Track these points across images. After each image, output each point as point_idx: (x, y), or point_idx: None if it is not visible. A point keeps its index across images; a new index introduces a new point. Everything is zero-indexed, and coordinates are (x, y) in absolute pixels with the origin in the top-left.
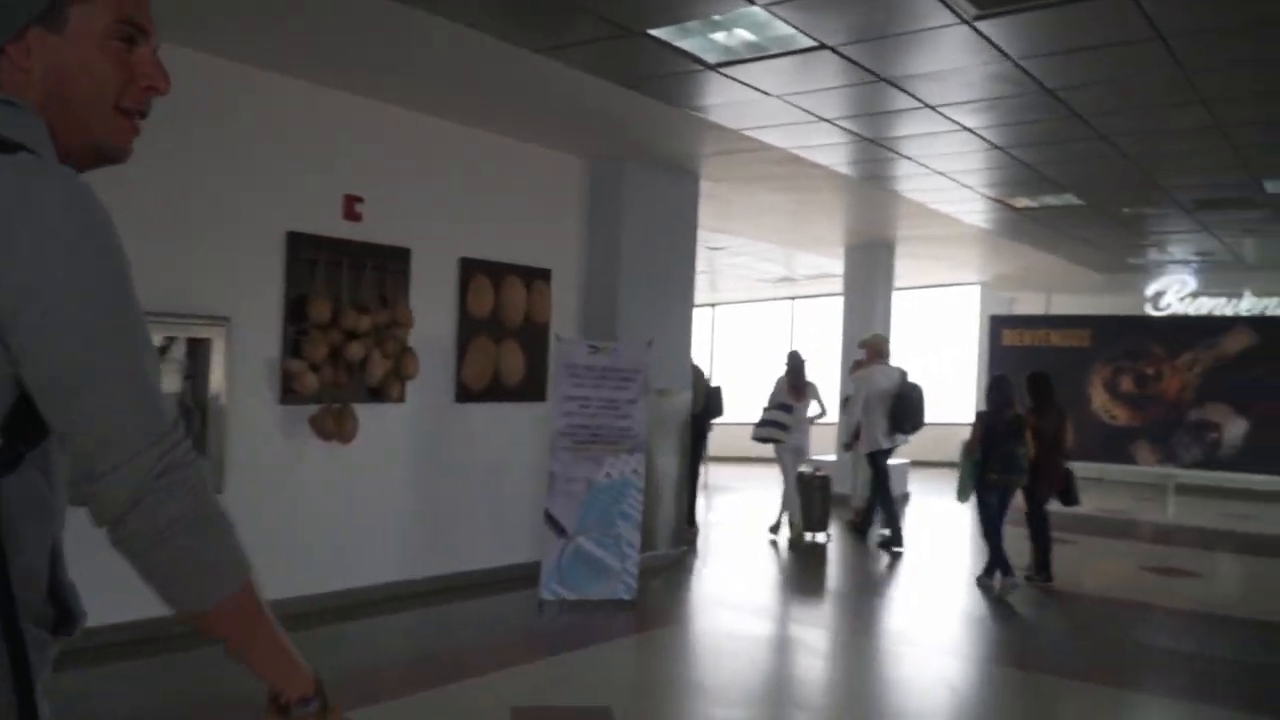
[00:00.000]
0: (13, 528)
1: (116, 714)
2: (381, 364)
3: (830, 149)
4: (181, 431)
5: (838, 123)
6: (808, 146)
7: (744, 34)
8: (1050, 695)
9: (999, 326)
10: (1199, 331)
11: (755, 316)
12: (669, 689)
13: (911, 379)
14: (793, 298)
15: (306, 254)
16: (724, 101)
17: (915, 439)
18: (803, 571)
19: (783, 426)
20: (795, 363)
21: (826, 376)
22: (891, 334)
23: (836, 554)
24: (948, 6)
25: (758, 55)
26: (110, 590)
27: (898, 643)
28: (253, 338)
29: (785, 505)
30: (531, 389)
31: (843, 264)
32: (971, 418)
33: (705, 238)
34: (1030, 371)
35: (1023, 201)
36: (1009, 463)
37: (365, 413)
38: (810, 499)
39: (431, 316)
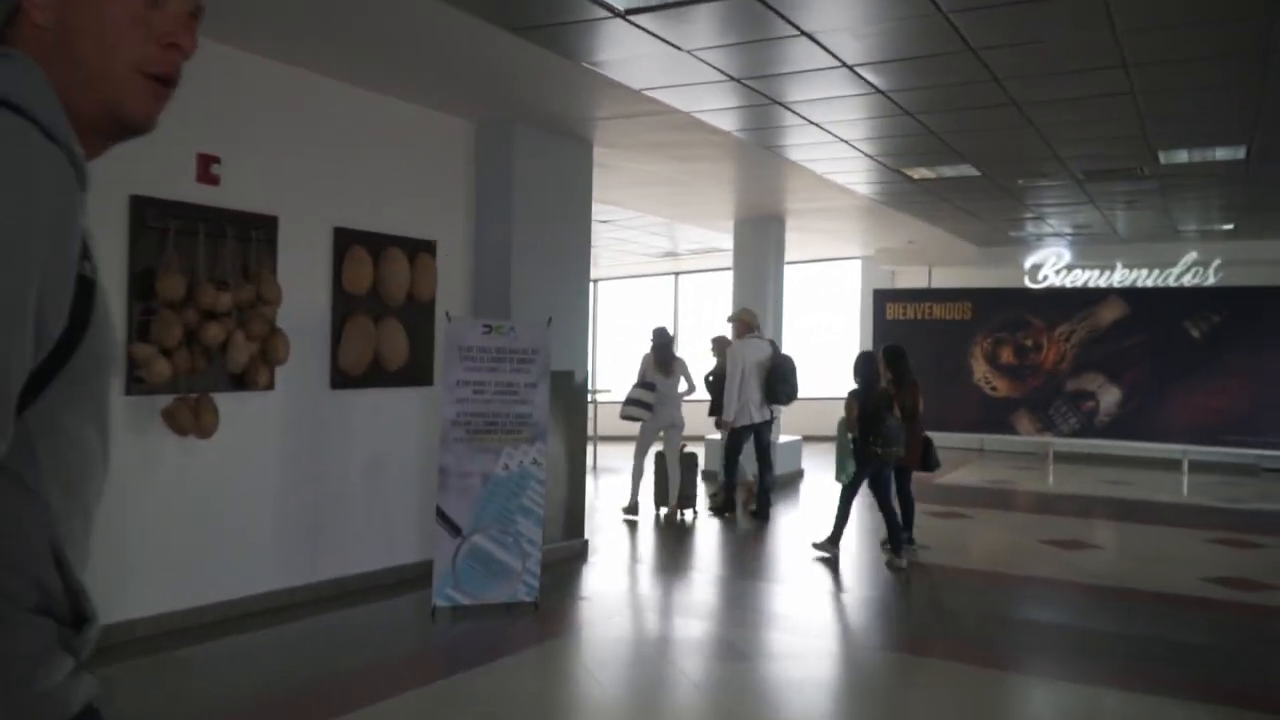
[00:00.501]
0: None
1: None
2: (245, 347)
3: (735, 113)
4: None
5: (747, 83)
6: (711, 110)
7: None
8: (946, 680)
9: (882, 300)
10: (1075, 303)
11: (637, 292)
12: (576, 710)
13: (783, 350)
14: (677, 273)
15: (155, 222)
16: (629, 56)
17: (805, 413)
18: (695, 555)
19: (646, 405)
20: (662, 339)
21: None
22: (783, 308)
23: (726, 536)
24: None
25: (676, 1)
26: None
27: (801, 634)
28: None
29: (634, 481)
30: (416, 373)
31: (731, 238)
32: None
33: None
34: (885, 345)
35: (921, 172)
36: (890, 435)
37: (227, 403)
38: (682, 477)
39: (302, 293)
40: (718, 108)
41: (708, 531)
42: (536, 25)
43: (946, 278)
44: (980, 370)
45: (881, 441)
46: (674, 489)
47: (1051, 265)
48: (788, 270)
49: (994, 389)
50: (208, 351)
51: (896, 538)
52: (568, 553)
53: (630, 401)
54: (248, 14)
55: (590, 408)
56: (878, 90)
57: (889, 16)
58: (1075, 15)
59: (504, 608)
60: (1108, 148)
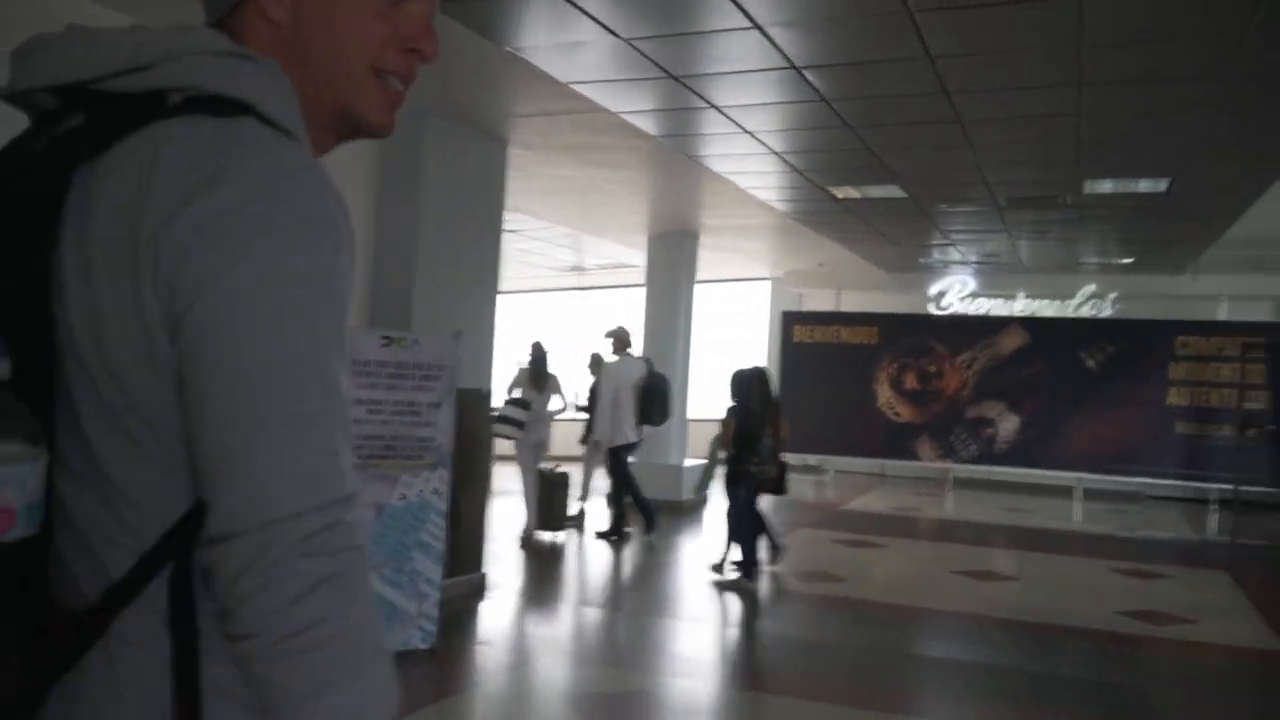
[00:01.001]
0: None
1: None
2: None
3: (665, 116)
4: (349, 511)
5: (685, 81)
6: (640, 111)
7: None
8: None
9: (790, 322)
10: (977, 331)
11: (540, 307)
12: None
13: (658, 369)
14: (584, 288)
15: None
16: (560, 43)
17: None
18: (595, 587)
19: (518, 424)
20: (538, 354)
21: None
22: (692, 327)
23: (634, 564)
24: None
25: None
26: None
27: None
28: None
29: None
30: None
31: (641, 254)
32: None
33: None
34: (751, 368)
35: (847, 192)
36: (765, 455)
37: None
38: (548, 497)
39: None
40: (648, 109)
41: (611, 558)
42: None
43: (854, 302)
44: (885, 395)
45: (756, 460)
46: (532, 511)
47: (956, 293)
48: (698, 289)
49: (898, 414)
50: None
51: (751, 559)
52: (465, 589)
53: (503, 419)
54: None
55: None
56: (822, 98)
57: (852, 13)
58: (1045, 22)
59: (397, 657)
60: (1038, 173)
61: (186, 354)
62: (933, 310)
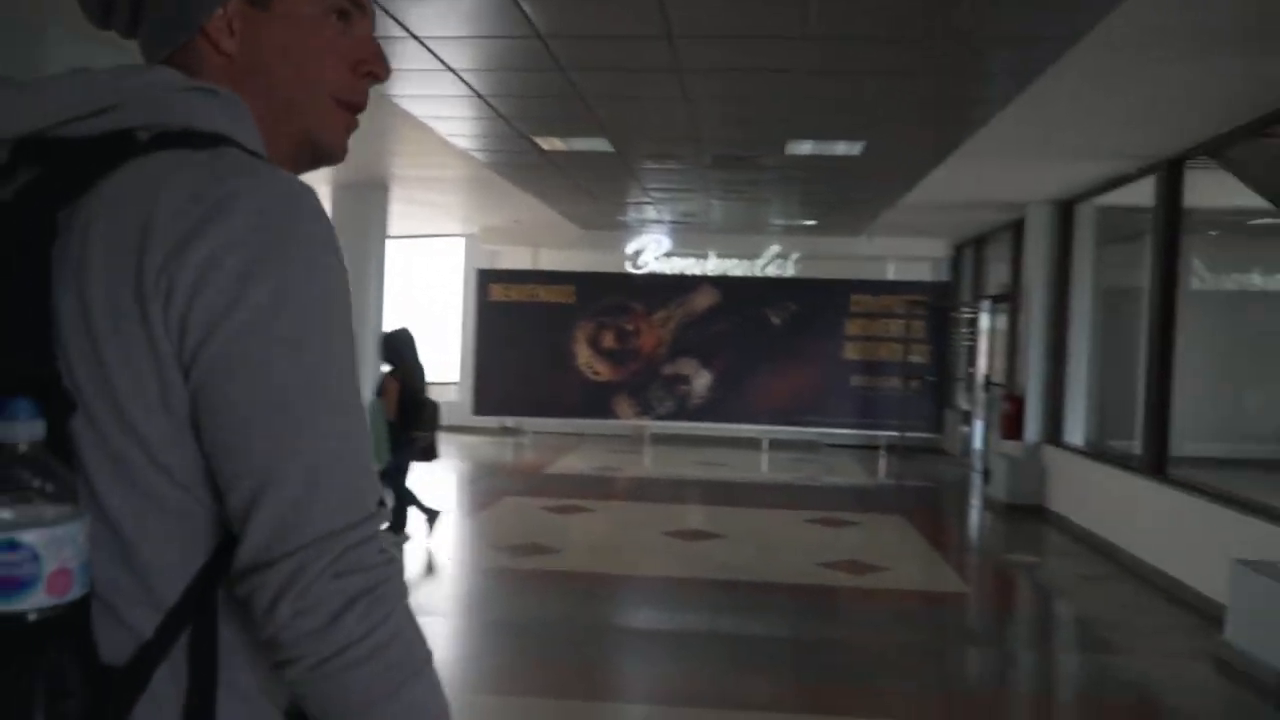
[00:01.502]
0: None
1: None
2: None
3: None
4: (378, 525)
5: (381, 2)
6: None
7: None
8: None
9: (486, 281)
10: (672, 290)
11: None
12: None
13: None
14: None
15: None
16: None
17: None
18: None
19: None
20: None
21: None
22: (384, 285)
23: None
24: None
25: None
26: None
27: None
28: None
29: None
30: None
31: (328, 205)
32: (458, 376)
33: None
34: (400, 328)
35: (553, 143)
36: (430, 419)
37: None
38: None
39: None
40: None
41: None
42: None
43: (551, 260)
44: (584, 355)
45: (425, 425)
46: None
47: (652, 252)
48: (389, 245)
49: (596, 373)
50: None
51: (401, 521)
52: None
53: None
54: None
55: None
56: (537, 34)
57: None
58: None
59: None
60: (747, 131)
61: (205, 388)
62: (629, 269)
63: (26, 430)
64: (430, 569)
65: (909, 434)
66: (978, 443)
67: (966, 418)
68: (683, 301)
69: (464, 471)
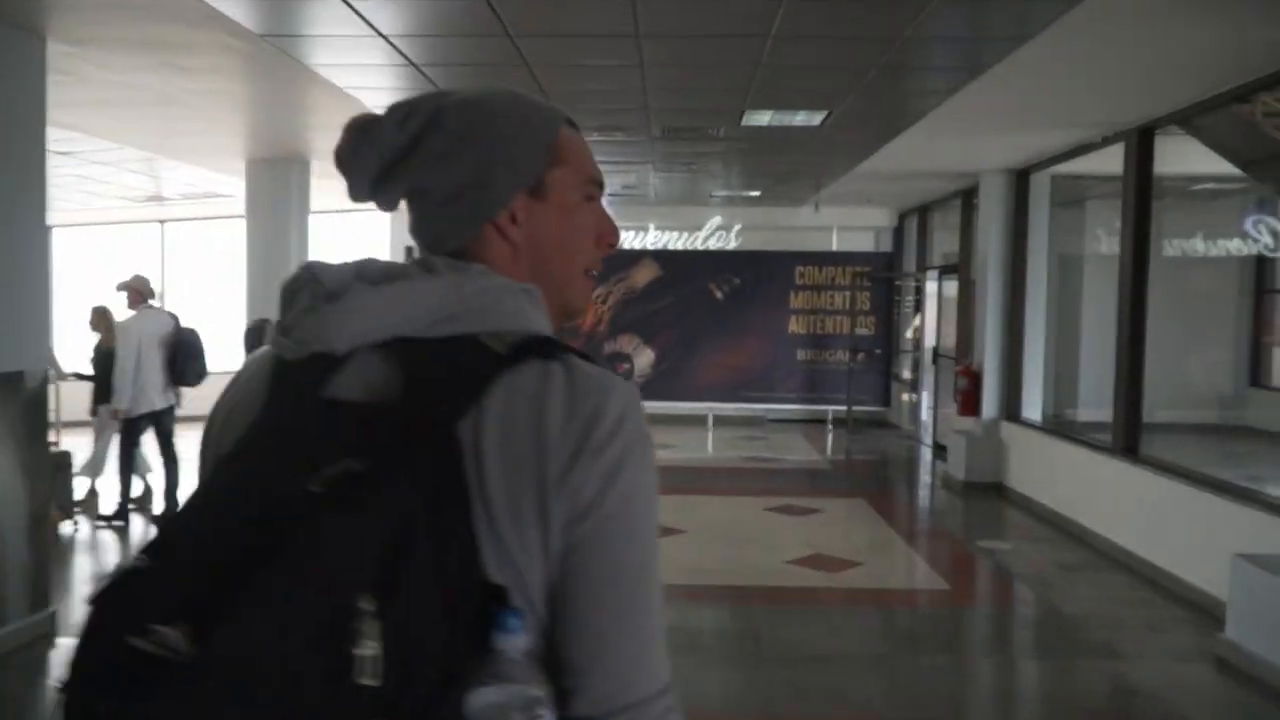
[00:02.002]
0: None
1: None
2: None
3: (271, 6)
4: (671, 694)
5: None
6: None
7: None
8: None
9: (411, 256)
10: (612, 264)
11: (111, 243)
12: None
13: (185, 324)
14: (163, 220)
15: None
16: None
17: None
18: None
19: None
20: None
21: (220, 319)
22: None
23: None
24: None
25: None
26: None
27: None
28: None
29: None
30: None
31: (238, 181)
32: None
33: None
34: (263, 319)
35: None
36: None
37: None
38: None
39: None
40: None
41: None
42: None
43: None
44: None
45: None
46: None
47: None
48: (314, 220)
49: None
50: None
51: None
52: (28, 636)
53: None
54: None
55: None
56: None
57: None
58: None
59: None
60: (705, 100)
61: (578, 560)
62: None
63: (519, 638)
64: None
65: (857, 408)
66: (926, 415)
67: (914, 389)
68: (622, 277)
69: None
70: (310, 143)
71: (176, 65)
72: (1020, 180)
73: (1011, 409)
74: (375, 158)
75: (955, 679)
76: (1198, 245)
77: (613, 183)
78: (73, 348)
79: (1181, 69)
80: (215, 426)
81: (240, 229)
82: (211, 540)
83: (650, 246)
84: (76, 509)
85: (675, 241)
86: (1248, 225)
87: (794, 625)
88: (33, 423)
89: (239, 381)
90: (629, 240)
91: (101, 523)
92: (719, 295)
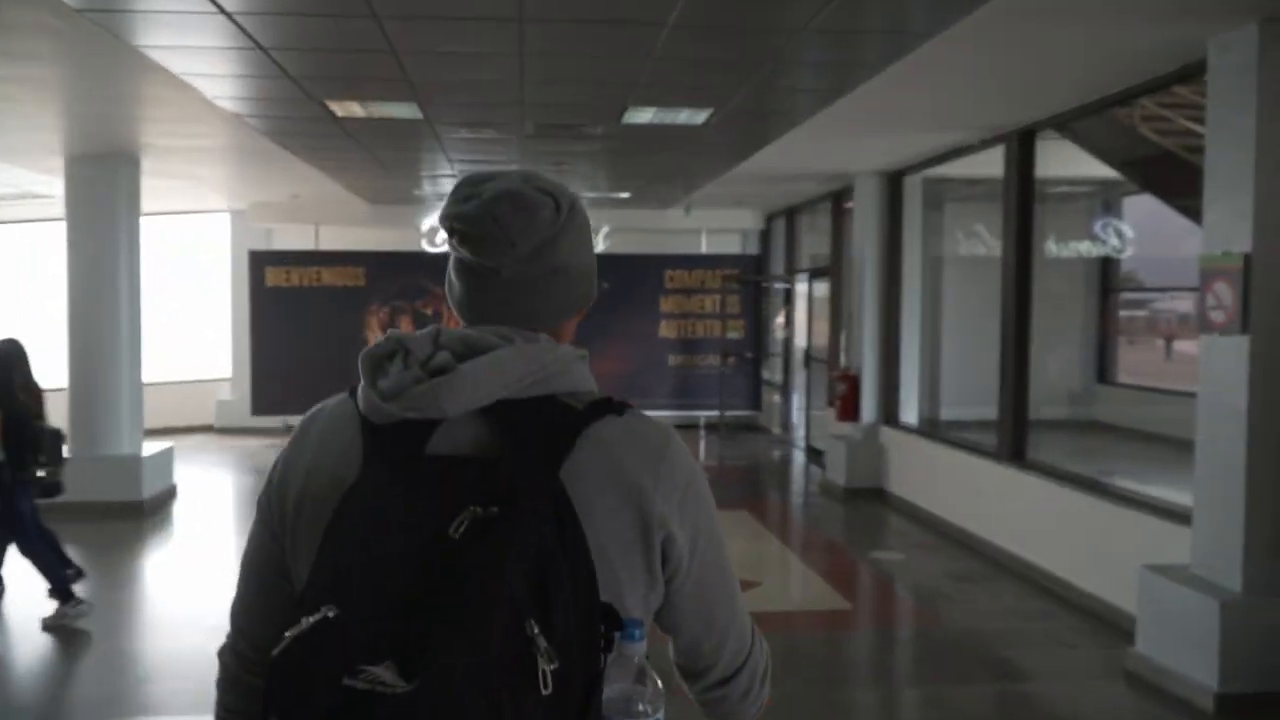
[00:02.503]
0: None
1: None
2: None
3: None
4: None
5: None
6: None
7: None
8: None
9: (261, 263)
10: None
11: None
12: None
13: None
14: None
15: None
16: None
17: (165, 401)
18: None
19: None
20: None
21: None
22: (141, 270)
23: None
24: None
25: None
26: None
27: None
28: None
29: None
30: None
31: (56, 181)
32: (229, 372)
33: None
34: (5, 339)
35: (350, 108)
36: (52, 448)
37: None
38: None
39: None
40: None
41: None
42: None
43: (334, 239)
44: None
45: (43, 458)
46: None
47: None
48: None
49: None
50: None
51: (61, 578)
52: None
53: None
54: None
55: None
56: None
57: None
58: None
59: None
60: (584, 94)
61: (695, 581)
62: (425, 247)
63: (642, 645)
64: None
65: (729, 412)
66: (797, 418)
67: (784, 392)
68: None
69: (246, 487)
70: (140, 137)
71: None
72: (893, 183)
73: (889, 413)
74: (528, 232)
75: (878, 713)
76: (1049, 246)
77: None
78: None
79: (1060, 74)
80: (294, 481)
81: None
82: (385, 586)
83: None
84: None
85: None
86: (1096, 228)
87: None
88: None
89: (308, 437)
90: None
91: None
92: None
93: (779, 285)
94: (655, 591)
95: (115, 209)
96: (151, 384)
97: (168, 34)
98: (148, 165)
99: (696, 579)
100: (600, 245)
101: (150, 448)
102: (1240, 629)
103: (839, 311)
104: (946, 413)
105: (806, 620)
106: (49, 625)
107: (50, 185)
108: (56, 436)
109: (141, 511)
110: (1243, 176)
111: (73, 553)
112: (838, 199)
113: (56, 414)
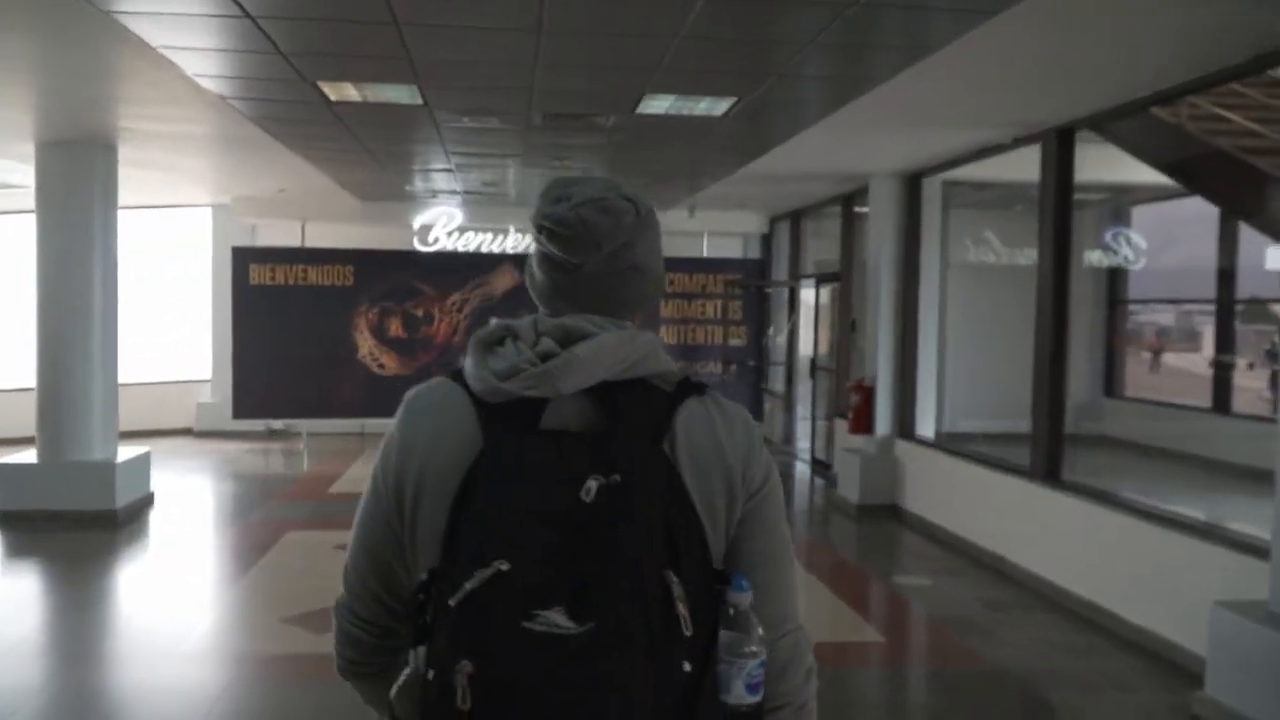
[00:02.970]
0: None
1: None
2: None
3: None
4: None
5: None
6: None
7: None
8: None
9: (245, 260)
10: (468, 269)
11: None
12: None
13: None
14: None
15: None
16: None
17: (140, 403)
18: None
19: None
20: None
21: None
22: (119, 265)
23: None
24: None
25: None
26: None
27: None
28: None
29: None
30: None
31: (27, 168)
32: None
33: None
34: None
35: (345, 91)
36: None
37: None
38: None
39: None
40: None
41: None
42: None
43: (322, 236)
44: (366, 345)
45: None
46: None
47: (443, 226)
48: (122, 217)
49: (382, 366)
50: None
51: None
52: None
53: None
54: None
55: None
56: None
57: None
58: None
59: None
60: (599, 82)
61: (749, 531)
62: (418, 246)
63: (748, 595)
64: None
65: None
66: (801, 430)
67: (787, 402)
68: (480, 283)
69: (227, 495)
70: (117, 121)
71: None
72: (912, 185)
73: (905, 425)
74: (613, 234)
75: None
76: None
77: (471, 179)
78: None
79: (1112, 65)
80: (413, 457)
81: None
82: (541, 540)
83: (510, 251)
84: None
85: None
86: (1107, 238)
87: None
88: None
89: (418, 416)
90: (488, 244)
91: None
92: None
93: (784, 290)
94: (729, 536)
95: (90, 199)
96: (127, 385)
97: (154, 1)
98: (126, 154)
99: (756, 536)
100: None
101: (125, 453)
102: None
103: (848, 319)
104: (965, 425)
105: (839, 655)
106: None
107: (26, 175)
108: None
109: (115, 522)
110: None
111: (39, 567)
112: (848, 201)
113: (25, 416)
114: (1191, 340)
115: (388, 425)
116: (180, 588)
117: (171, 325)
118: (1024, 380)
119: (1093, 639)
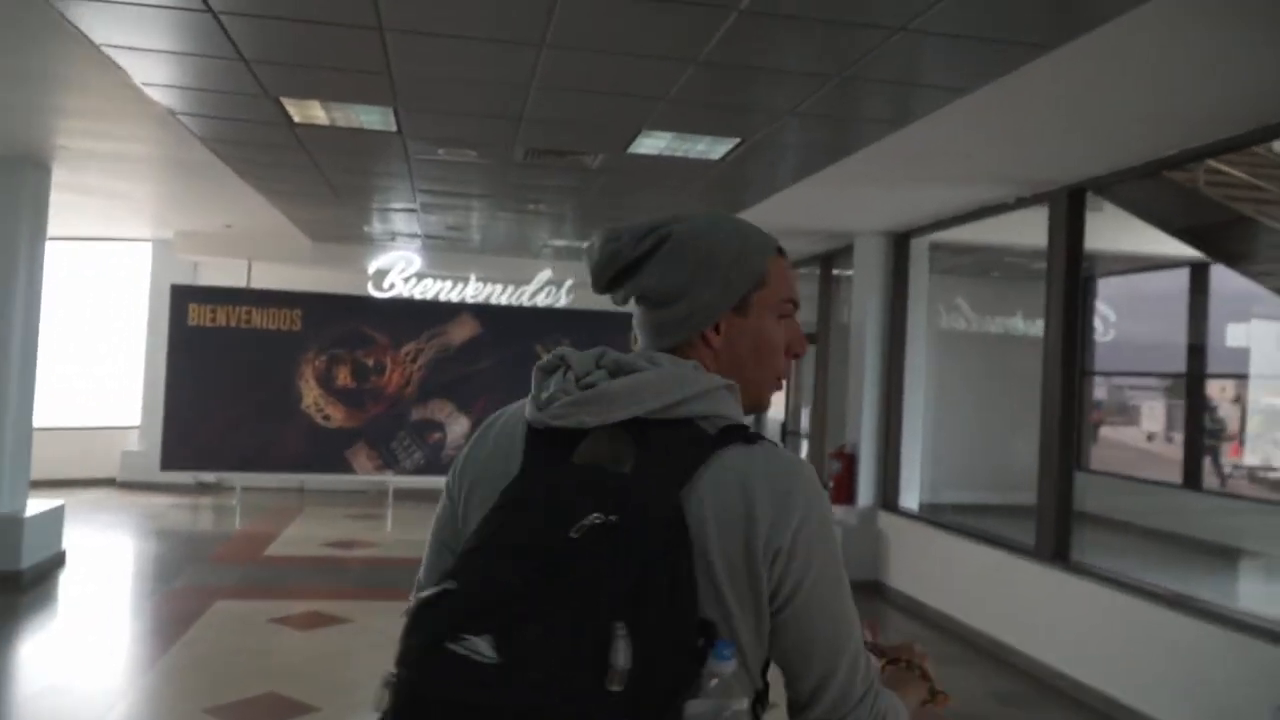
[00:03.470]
0: None
1: None
2: None
3: None
4: (875, 686)
5: None
6: None
7: None
8: None
9: (184, 299)
10: (424, 318)
11: None
12: None
13: None
14: None
15: None
16: None
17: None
18: None
19: None
20: None
21: None
22: (43, 298)
23: None
24: None
25: None
26: None
27: None
28: None
29: None
30: None
31: None
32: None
33: None
34: None
35: (311, 112)
36: None
37: None
38: None
39: None
40: None
41: None
42: None
43: (269, 277)
44: (311, 395)
45: None
46: None
47: (400, 272)
48: (54, 249)
49: (327, 418)
50: None
51: None
52: None
53: None
54: None
55: None
56: None
57: None
58: None
59: None
60: (596, 113)
61: (791, 620)
62: (371, 291)
63: (730, 664)
64: None
65: None
66: None
67: None
68: (437, 332)
69: (149, 556)
70: (52, 136)
71: None
72: (900, 245)
73: (889, 496)
74: (611, 262)
75: None
76: (1017, 324)
77: (432, 222)
78: None
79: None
80: (470, 470)
81: None
82: (498, 570)
83: (470, 300)
84: None
85: (499, 296)
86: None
87: None
88: None
89: (492, 430)
90: (446, 292)
91: None
92: (545, 358)
93: None
94: (764, 623)
95: (16, 221)
96: (45, 429)
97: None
98: (61, 177)
99: (799, 615)
100: (563, 299)
101: (36, 505)
102: None
103: (825, 384)
104: (949, 496)
105: None
106: None
107: None
108: None
109: (19, 584)
110: None
111: None
112: (827, 261)
113: None
114: (1129, 414)
115: (330, 481)
116: (89, 667)
117: (100, 366)
118: (994, 452)
119: None
